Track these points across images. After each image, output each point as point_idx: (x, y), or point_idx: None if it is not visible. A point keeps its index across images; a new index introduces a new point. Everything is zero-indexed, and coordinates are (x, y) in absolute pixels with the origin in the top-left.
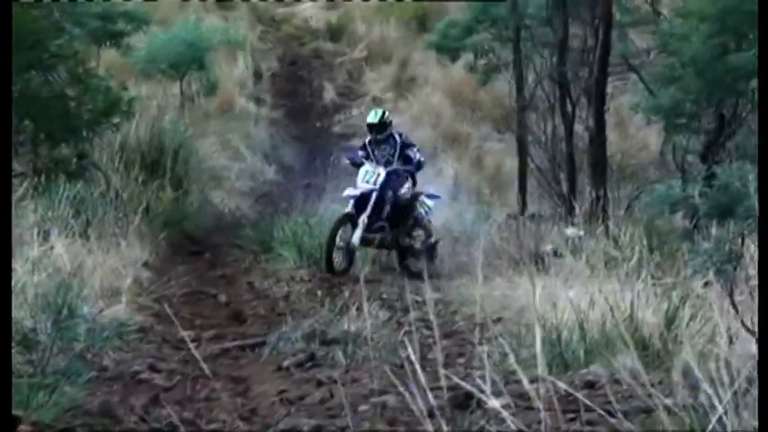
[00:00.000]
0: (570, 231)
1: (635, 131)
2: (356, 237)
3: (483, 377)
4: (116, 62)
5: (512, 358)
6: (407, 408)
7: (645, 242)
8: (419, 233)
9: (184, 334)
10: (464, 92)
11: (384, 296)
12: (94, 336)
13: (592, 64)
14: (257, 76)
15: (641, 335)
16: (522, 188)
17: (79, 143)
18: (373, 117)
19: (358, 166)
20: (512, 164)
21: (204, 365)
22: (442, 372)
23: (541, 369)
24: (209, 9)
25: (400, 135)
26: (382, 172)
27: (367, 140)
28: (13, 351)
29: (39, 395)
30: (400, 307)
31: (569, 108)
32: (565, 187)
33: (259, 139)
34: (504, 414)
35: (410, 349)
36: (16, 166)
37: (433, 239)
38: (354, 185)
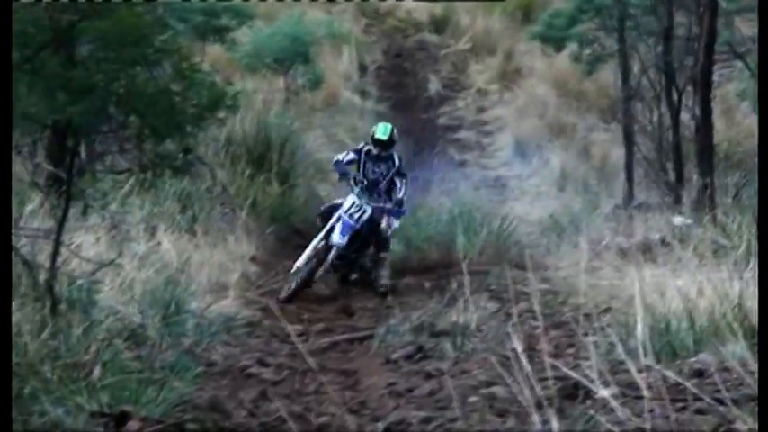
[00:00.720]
0: (678, 220)
1: (741, 119)
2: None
3: (591, 367)
4: (221, 57)
5: (620, 348)
6: (516, 399)
7: (753, 230)
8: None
9: (291, 328)
10: (569, 82)
11: (492, 287)
12: (202, 331)
13: (697, 52)
14: (362, 69)
15: (750, 323)
16: (629, 178)
17: (185, 138)
18: (383, 133)
19: (345, 177)
20: (618, 154)
21: (311, 359)
22: (549, 362)
23: (649, 358)
24: (313, 3)
25: (400, 159)
26: (368, 210)
27: (364, 150)
28: (121, 347)
29: (148, 390)
30: (508, 298)
31: (675, 97)
32: (672, 176)
33: (364, 132)
34: (613, 404)
35: (517, 340)
36: (122, 162)
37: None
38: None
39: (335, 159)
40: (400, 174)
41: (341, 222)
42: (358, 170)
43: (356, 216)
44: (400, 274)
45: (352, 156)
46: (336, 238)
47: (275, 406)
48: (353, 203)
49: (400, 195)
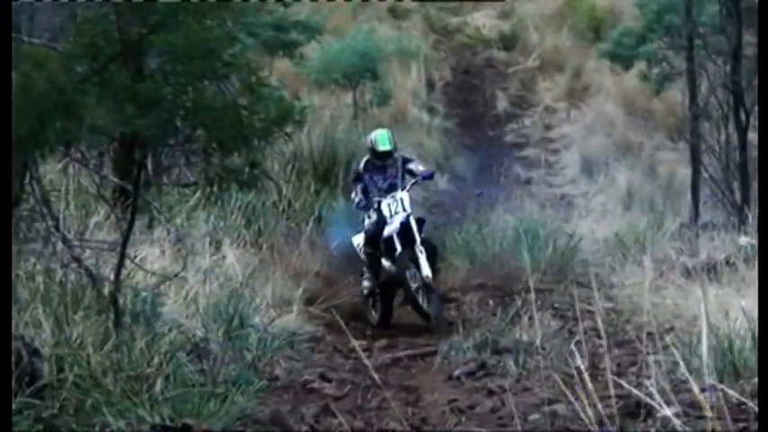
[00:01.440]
0: (743, 240)
1: None
2: (426, 268)
3: (654, 386)
4: (289, 72)
5: (683, 367)
6: (578, 416)
7: None
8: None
9: (356, 343)
10: (637, 101)
11: (555, 305)
12: (265, 345)
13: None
14: (430, 85)
15: None
16: (695, 197)
17: (251, 152)
18: (384, 144)
19: (367, 208)
20: (685, 173)
21: (375, 375)
22: (612, 380)
23: (712, 378)
24: (382, 18)
25: (402, 158)
26: (405, 195)
27: (362, 169)
28: (184, 360)
29: (210, 404)
30: (571, 316)
31: (743, 116)
32: (738, 196)
33: (432, 149)
34: (675, 422)
35: (580, 359)
36: (188, 176)
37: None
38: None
39: (356, 204)
40: (408, 159)
41: (395, 221)
42: (368, 190)
43: (400, 207)
44: (464, 290)
45: (360, 186)
46: (395, 225)
47: (337, 421)
48: (389, 204)
49: (420, 168)
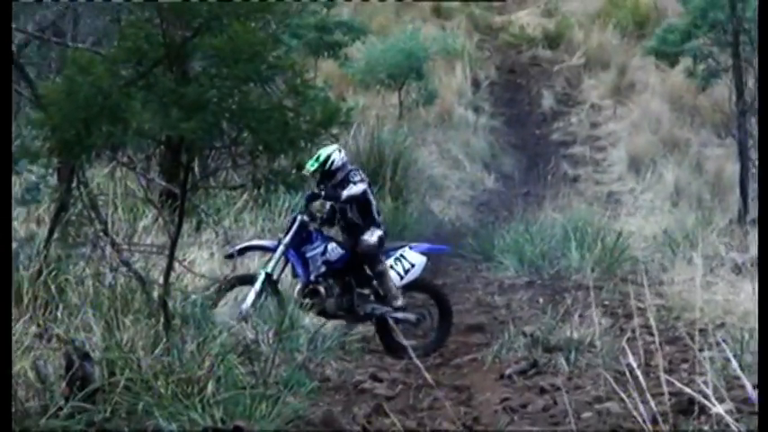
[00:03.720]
0: None
1: None
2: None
3: (706, 383)
4: (334, 73)
5: (735, 363)
6: (630, 414)
7: None
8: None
9: (406, 343)
10: (684, 97)
11: (606, 302)
12: (316, 346)
13: None
14: (475, 84)
15: None
16: (744, 192)
17: (298, 154)
18: (311, 163)
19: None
20: (732, 168)
21: (427, 374)
22: (664, 378)
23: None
24: (427, 18)
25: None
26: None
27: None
28: (235, 362)
29: (261, 406)
30: (622, 313)
31: None
32: None
33: (478, 148)
34: (728, 419)
35: (632, 356)
36: (236, 178)
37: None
38: None
39: None
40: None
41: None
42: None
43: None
44: (513, 288)
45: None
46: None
47: (389, 421)
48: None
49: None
